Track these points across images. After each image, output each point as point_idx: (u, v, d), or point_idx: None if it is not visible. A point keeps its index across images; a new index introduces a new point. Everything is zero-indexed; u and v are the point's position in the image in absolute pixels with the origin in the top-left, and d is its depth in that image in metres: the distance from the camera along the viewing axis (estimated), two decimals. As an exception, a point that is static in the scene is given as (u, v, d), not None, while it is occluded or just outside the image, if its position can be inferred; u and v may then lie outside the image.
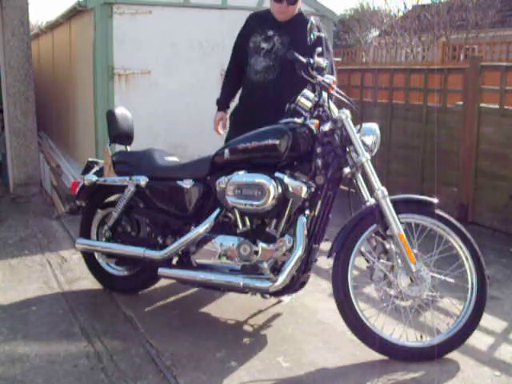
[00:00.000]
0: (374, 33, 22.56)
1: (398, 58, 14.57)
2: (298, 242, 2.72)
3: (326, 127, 2.80)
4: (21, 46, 5.60)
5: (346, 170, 2.75)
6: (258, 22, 3.44)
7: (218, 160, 2.96)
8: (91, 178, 3.31)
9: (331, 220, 2.87)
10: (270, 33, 3.35)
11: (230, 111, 3.64)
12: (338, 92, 2.84)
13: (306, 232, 2.75)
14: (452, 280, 2.78)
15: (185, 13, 5.29)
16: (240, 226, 2.87)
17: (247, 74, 3.43)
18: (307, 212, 2.81)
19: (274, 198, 2.73)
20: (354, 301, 2.72)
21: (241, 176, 2.82)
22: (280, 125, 2.87)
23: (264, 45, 3.35)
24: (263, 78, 3.35)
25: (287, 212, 2.78)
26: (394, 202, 2.70)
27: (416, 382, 2.55)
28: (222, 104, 3.65)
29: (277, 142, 2.76)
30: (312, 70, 2.79)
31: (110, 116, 3.30)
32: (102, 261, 3.47)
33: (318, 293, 3.49)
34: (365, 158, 2.71)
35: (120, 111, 3.35)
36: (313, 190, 2.79)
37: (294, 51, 2.79)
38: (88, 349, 2.82)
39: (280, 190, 2.74)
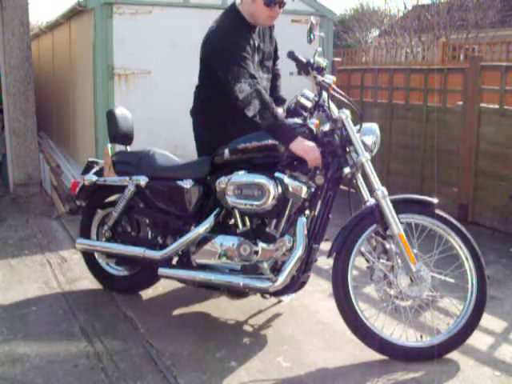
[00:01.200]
0: (374, 33, 22.56)
1: (397, 58, 14.56)
2: (298, 242, 2.72)
3: (326, 127, 2.81)
4: (21, 46, 5.60)
5: (346, 170, 2.75)
6: (247, 36, 2.99)
7: (218, 160, 2.95)
8: (91, 178, 3.31)
9: (331, 220, 2.87)
10: (256, 43, 3.05)
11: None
12: (338, 92, 2.84)
13: (305, 232, 2.75)
14: (452, 280, 2.78)
15: (185, 13, 5.29)
16: (240, 225, 2.86)
17: None
18: (307, 212, 2.81)
19: (273, 197, 2.73)
20: (353, 301, 2.72)
21: (241, 176, 2.82)
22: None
23: (258, 57, 3.09)
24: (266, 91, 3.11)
25: (287, 212, 2.78)
26: (394, 202, 2.70)
27: (416, 381, 2.55)
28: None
29: (277, 141, 2.76)
30: (312, 70, 2.79)
31: (110, 116, 3.30)
32: (101, 261, 3.47)
33: (318, 293, 3.49)
34: (365, 157, 2.71)
35: (120, 111, 3.34)
36: (313, 190, 2.79)
37: (293, 51, 2.79)
38: (88, 349, 2.82)
39: (280, 190, 2.74)
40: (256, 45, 3.04)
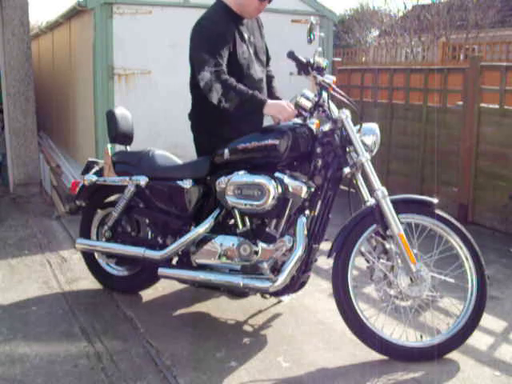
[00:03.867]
0: (374, 33, 22.55)
1: (397, 58, 14.58)
2: (298, 242, 2.72)
3: (326, 127, 2.81)
4: (21, 46, 5.61)
5: (346, 170, 2.75)
6: (232, 26, 2.98)
7: (218, 160, 2.95)
8: (91, 177, 3.31)
9: (331, 220, 2.87)
10: (246, 35, 3.03)
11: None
12: (338, 92, 2.84)
13: (305, 232, 2.75)
14: (452, 280, 2.78)
15: (185, 13, 5.29)
16: (240, 226, 2.86)
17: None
18: (307, 212, 2.81)
19: (273, 198, 2.73)
20: (354, 301, 2.72)
21: (241, 176, 2.82)
22: (280, 125, 2.86)
23: (251, 50, 3.06)
24: (260, 86, 3.11)
25: (287, 212, 2.78)
26: (394, 202, 2.70)
27: (416, 381, 2.55)
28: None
29: (277, 142, 2.76)
30: (312, 70, 2.79)
31: (110, 116, 3.30)
32: (101, 261, 3.48)
33: (317, 293, 3.49)
34: (365, 158, 2.71)
35: (120, 111, 3.34)
36: (313, 190, 2.79)
37: (293, 51, 2.79)
38: (88, 349, 2.82)
39: (280, 190, 2.74)
40: (246, 37, 3.04)
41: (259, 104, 2.84)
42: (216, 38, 2.89)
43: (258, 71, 3.09)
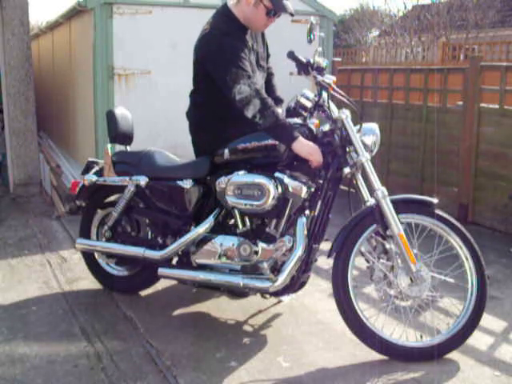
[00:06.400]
0: (374, 33, 22.55)
1: (397, 58, 14.58)
2: (298, 242, 2.72)
3: (326, 127, 2.81)
4: (21, 46, 5.61)
5: (346, 170, 2.75)
6: (243, 37, 2.96)
7: (218, 160, 2.95)
8: (91, 177, 3.31)
9: (331, 220, 2.87)
10: (250, 43, 3.00)
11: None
12: (338, 92, 2.84)
13: (305, 232, 2.75)
14: (452, 280, 2.78)
15: (185, 13, 5.29)
16: (240, 226, 2.86)
17: None
18: (307, 212, 2.81)
19: (273, 198, 2.73)
20: (354, 301, 2.72)
21: (241, 176, 2.82)
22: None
23: (254, 58, 3.02)
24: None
25: (287, 212, 2.78)
26: (394, 202, 2.70)
27: (416, 381, 2.55)
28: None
29: (277, 141, 2.76)
30: (312, 70, 2.79)
31: (110, 116, 3.30)
32: (101, 261, 3.48)
33: (318, 293, 3.49)
34: (365, 158, 2.71)
35: (120, 111, 3.34)
36: (313, 190, 2.79)
37: (293, 51, 2.79)
38: (88, 349, 2.82)
39: (280, 190, 2.74)
40: (250, 45, 3.00)
41: (290, 136, 2.74)
42: (237, 51, 2.84)
43: (258, 79, 3.06)
